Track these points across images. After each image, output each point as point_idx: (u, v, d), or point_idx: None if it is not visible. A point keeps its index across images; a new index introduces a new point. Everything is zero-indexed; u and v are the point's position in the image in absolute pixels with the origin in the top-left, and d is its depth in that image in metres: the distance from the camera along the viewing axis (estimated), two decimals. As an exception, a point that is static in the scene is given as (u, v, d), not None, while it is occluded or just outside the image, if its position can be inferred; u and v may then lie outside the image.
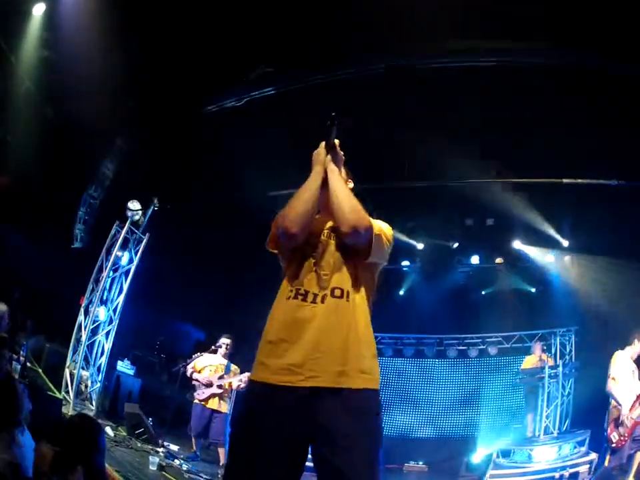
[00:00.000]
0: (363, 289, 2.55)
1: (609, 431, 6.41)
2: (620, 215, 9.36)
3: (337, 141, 2.69)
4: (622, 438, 6.26)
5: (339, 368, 2.32)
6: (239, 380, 8.10)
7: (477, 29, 7.56)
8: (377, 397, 2.42)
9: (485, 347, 12.44)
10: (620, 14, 6.49)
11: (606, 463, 6.48)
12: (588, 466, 7.13)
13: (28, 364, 7.18)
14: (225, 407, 8.10)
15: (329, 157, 2.67)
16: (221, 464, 7.95)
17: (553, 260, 11.92)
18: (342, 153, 2.73)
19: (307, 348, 2.35)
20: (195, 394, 8.15)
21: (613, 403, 6.47)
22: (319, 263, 2.57)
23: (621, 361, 6.57)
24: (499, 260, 12.62)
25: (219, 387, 8.07)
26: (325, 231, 2.67)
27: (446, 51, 7.99)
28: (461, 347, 12.69)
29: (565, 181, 9.17)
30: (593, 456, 7.27)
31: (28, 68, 7.42)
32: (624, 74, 7.19)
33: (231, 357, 8.45)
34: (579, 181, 9.07)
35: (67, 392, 8.56)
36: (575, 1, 6.64)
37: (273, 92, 8.63)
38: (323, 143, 2.70)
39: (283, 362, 2.34)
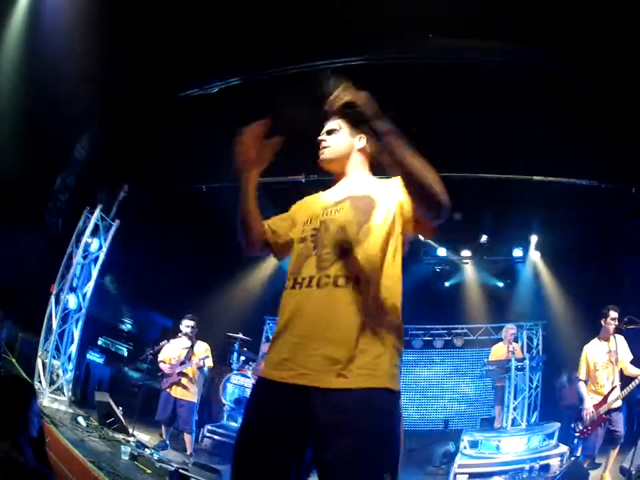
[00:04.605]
0: (377, 270, 2.18)
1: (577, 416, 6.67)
2: (589, 214, 9.58)
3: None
4: (585, 429, 6.47)
5: (331, 365, 2.03)
6: (197, 362, 8.15)
7: (454, 26, 7.57)
8: (384, 397, 2.03)
9: (450, 338, 12.52)
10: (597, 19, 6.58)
11: (578, 453, 6.69)
12: (559, 458, 7.29)
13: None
14: (189, 395, 8.16)
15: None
16: (187, 452, 8.00)
17: (521, 255, 12.14)
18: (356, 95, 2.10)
19: (297, 341, 2.13)
20: (162, 382, 8.23)
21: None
22: (320, 242, 2.28)
23: (587, 358, 6.77)
24: (465, 253, 12.77)
25: (179, 374, 8.10)
26: (330, 208, 2.41)
27: (424, 48, 7.98)
28: (426, 338, 12.66)
29: (535, 178, 9.26)
30: (564, 448, 7.43)
31: (10, 56, 7.29)
32: (600, 78, 7.31)
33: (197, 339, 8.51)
34: (550, 179, 9.19)
35: (40, 382, 8.46)
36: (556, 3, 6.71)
37: (244, 81, 8.55)
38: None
39: (278, 356, 2.16)
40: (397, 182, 2.30)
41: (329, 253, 2.22)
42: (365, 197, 2.36)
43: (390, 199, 2.31)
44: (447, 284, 13.49)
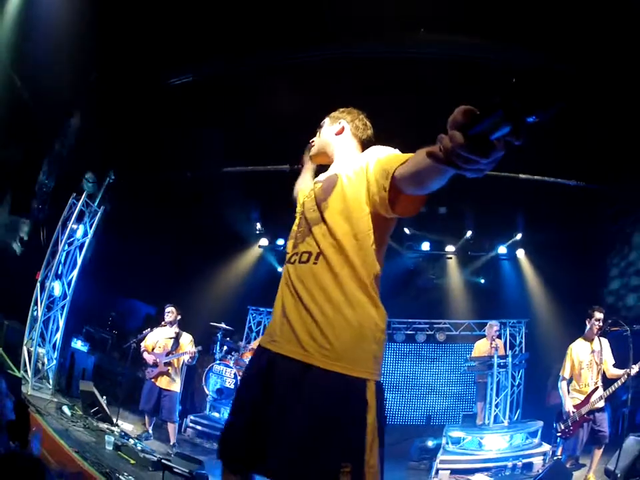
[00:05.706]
0: (339, 247, 2.18)
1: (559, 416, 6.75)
2: (575, 213, 9.65)
3: None
4: (567, 430, 6.55)
5: (294, 336, 2.14)
6: (189, 353, 8.16)
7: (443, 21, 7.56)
8: (344, 384, 2.02)
9: (433, 332, 12.50)
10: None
11: (559, 452, 6.77)
12: (542, 457, 7.39)
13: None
14: (174, 386, 8.18)
15: None
16: (171, 442, 8.01)
17: (505, 252, 12.23)
18: None
19: (277, 313, 2.30)
20: (146, 372, 8.22)
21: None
22: (300, 221, 2.42)
23: (572, 356, 6.84)
24: (449, 248, 12.81)
25: (166, 364, 8.11)
26: (309, 192, 2.49)
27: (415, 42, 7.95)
28: (408, 332, 12.62)
29: (521, 176, 9.30)
30: (547, 447, 7.54)
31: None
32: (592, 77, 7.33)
33: (180, 328, 8.53)
34: (537, 177, 9.23)
35: (26, 370, 8.39)
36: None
37: (230, 70, 8.50)
38: None
39: (270, 325, 2.35)
40: (367, 158, 2.26)
41: (301, 233, 2.36)
42: (332, 176, 2.41)
43: (357, 176, 2.26)
44: (429, 278, 13.46)
